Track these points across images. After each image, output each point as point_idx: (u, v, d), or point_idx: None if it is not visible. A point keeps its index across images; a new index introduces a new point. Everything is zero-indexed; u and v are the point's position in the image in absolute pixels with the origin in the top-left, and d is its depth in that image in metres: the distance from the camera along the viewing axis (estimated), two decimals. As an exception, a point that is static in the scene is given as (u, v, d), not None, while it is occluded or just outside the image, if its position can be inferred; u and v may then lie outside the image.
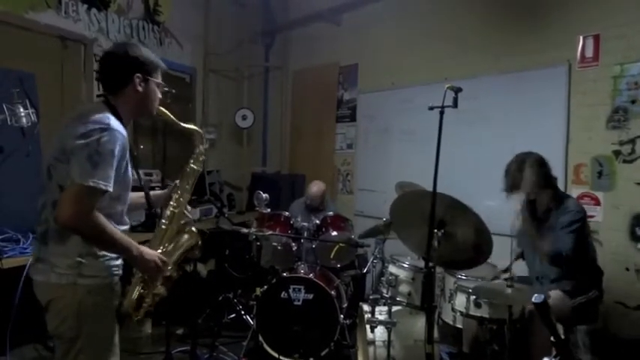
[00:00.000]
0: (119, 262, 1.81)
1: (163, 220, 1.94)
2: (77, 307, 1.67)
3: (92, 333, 1.70)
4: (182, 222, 1.99)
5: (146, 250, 1.80)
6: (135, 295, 1.82)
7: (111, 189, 1.61)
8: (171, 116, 1.99)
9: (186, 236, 2.00)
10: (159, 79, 1.89)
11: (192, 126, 2.09)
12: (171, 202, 1.97)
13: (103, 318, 1.75)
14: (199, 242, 2.04)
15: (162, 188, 3.99)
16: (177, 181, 2.04)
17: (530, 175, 2.84)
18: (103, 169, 1.59)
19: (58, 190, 1.65)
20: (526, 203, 3.03)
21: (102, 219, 1.62)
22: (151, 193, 2.11)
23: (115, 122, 1.67)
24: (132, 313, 1.83)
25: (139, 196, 2.04)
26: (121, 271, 1.83)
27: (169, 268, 1.91)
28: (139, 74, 1.79)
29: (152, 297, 1.88)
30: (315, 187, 4.32)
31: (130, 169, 1.78)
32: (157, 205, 2.08)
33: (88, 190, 1.57)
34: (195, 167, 2.04)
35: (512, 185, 2.92)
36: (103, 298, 1.73)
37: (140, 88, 1.80)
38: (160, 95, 1.91)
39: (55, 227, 1.67)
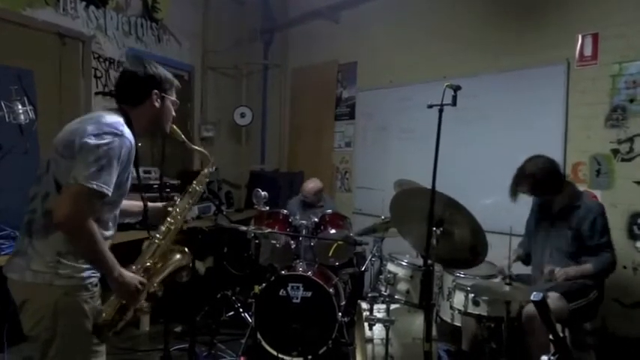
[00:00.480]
0: None
1: (158, 235, 1.92)
2: (53, 308, 1.64)
3: (68, 334, 1.66)
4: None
5: (127, 273, 1.75)
6: (115, 307, 1.77)
7: (110, 194, 1.62)
8: (183, 136, 2.03)
9: (178, 256, 1.98)
10: (174, 97, 1.93)
11: (202, 149, 2.17)
12: (169, 219, 1.96)
13: (80, 319, 1.69)
14: (190, 264, 2.04)
15: (160, 186, 4.01)
16: (178, 199, 2.05)
17: (542, 186, 2.86)
18: (108, 173, 1.60)
19: (53, 184, 1.65)
20: (538, 202, 3.04)
21: (95, 228, 1.62)
22: (149, 205, 2.07)
23: (127, 131, 1.70)
24: (109, 326, 1.77)
25: (137, 205, 2.03)
26: (99, 273, 1.78)
27: (155, 285, 1.89)
28: (156, 91, 1.84)
29: (133, 311, 1.83)
30: (312, 184, 4.33)
31: (130, 178, 1.79)
32: (154, 219, 2.05)
33: (90, 192, 1.57)
34: (197, 188, 2.06)
35: (516, 191, 2.93)
36: (80, 299, 1.69)
37: (157, 104, 1.85)
38: (173, 113, 1.95)
39: (41, 220, 1.66)
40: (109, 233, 1.79)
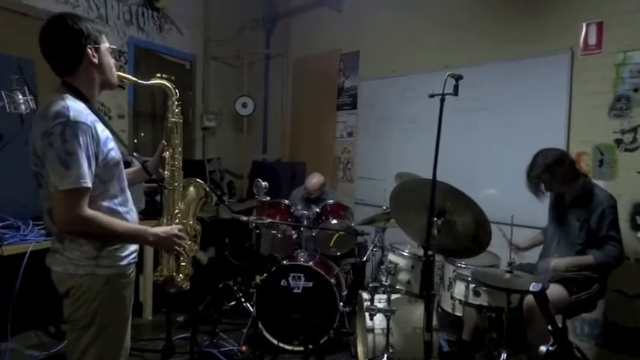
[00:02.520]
0: (135, 247, 1.82)
1: (167, 181, 1.95)
2: (95, 297, 1.67)
3: (106, 320, 1.70)
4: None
5: (160, 229, 1.82)
6: (169, 262, 1.90)
7: (89, 184, 1.57)
8: (132, 77, 1.97)
9: (192, 189, 2.06)
10: (107, 44, 1.76)
11: (155, 81, 1.99)
12: (168, 162, 1.96)
13: (118, 306, 1.75)
14: (207, 189, 2.10)
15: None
16: (164, 141, 2.00)
17: (555, 179, 2.82)
18: (77, 167, 1.54)
19: (48, 198, 1.64)
20: (554, 195, 3.02)
21: (98, 216, 1.61)
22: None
23: (74, 112, 1.57)
24: (174, 276, 1.91)
25: (132, 170, 2.03)
26: (137, 258, 1.84)
27: (191, 223, 1.99)
28: (89, 46, 1.67)
29: (187, 256, 1.95)
30: (315, 179, 4.27)
31: (112, 145, 1.71)
32: (154, 170, 2.07)
33: (70, 195, 1.55)
34: (175, 119, 1.99)
35: (537, 190, 2.90)
36: (119, 286, 1.74)
37: (95, 60, 1.70)
38: (114, 61, 1.81)
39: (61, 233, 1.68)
40: (128, 207, 1.79)
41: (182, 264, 1.94)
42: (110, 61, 1.77)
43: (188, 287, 1.98)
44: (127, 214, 1.77)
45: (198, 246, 2.03)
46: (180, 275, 1.95)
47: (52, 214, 1.63)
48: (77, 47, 1.66)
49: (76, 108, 1.59)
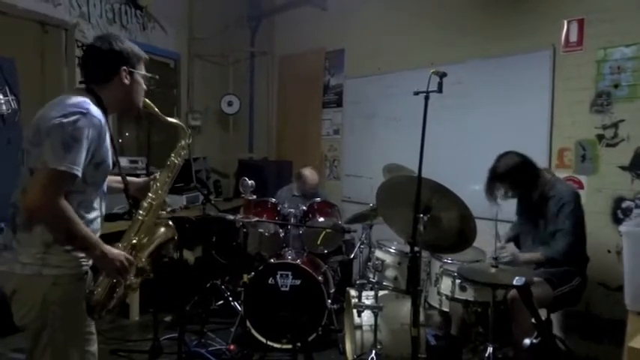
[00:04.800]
0: None
1: (140, 212, 1.90)
2: (42, 298, 1.63)
3: (59, 323, 1.66)
4: (160, 212, 1.97)
5: (111, 250, 1.72)
6: (106, 286, 1.76)
7: (80, 174, 1.59)
8: (156, 110, 1.99)
9: (162, 229, 1.97)
10: (143, 71, 1.88)
11: (176, 120, 2.09)
12: (150, 194, 1.93)
13: (71, 309, 1.69)
14: (175, 237, 2.01)
15: (147, 176, 3.98)
16: (157, 174, 2.02)
17: (518, 184, 2.90)
18: (76, 153, 1.57)
19: (29, 174, 1.62)
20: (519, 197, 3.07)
21: (69, 209, 1.59)
22: (129, 179, 2.04)
23: (94, 109, 1.66)
24: (104, 303, 1.76)
25: (116, 180, 2.01)
26: (90, 261, 1.77)
27: (143, 260, 1.87)
28: (124, 67, 1.79)
29: (124, 288, 1.82)
30: (314, 175, 4.28)
31: (110, 156, 1.76)
32: (134, 192, 2.03)
33: (59, 175, 1.54)
34: (176, 161, 2.02)
35: (493, 195, 2.97)
36: (70, 289, 1.68)
37: (126, 81, 1.80)
38: (145, 87, 1.90)
39: (23, 213, 1.64)
40: (93, 215, 1.77)
41: (114, 295, 1.79)
42: (140, 88, 1.88)
43: (103, 318, 1.83)
44: (89, 215, 1.75)
45: (138, 286, 1.90)
46: (106, 308, 1.79)
47: (25, 192, 1.60)
48: (113, 65, 1.78)
49: (94, 108, 1.67)
